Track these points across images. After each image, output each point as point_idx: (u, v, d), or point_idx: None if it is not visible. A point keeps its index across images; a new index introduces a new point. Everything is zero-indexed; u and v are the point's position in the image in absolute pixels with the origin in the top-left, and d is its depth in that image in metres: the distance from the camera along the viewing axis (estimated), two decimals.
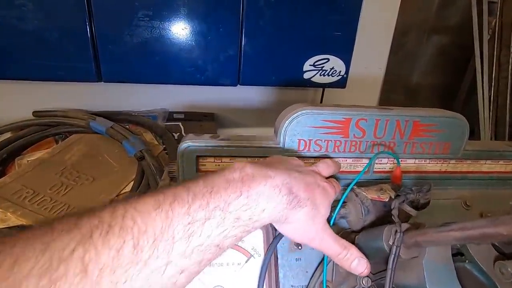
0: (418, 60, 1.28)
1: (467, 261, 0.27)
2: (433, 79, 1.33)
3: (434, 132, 0.41)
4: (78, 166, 0.75)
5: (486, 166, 0.46)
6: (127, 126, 0.88)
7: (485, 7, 1.16)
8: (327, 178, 0.34)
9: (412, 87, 1.33)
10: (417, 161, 0.43)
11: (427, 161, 0.43)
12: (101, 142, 0.81)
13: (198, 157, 0.38)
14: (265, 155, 0.39)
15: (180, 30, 0.74)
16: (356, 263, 0.29)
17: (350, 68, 0.87)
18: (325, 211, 0.29)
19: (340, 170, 0.42)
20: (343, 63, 0.84)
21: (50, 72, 0.74)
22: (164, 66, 0.76)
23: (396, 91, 1.29)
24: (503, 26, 1.14)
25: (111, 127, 0.80)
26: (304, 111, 0.37)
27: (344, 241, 0.30)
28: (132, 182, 0.73)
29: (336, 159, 0.41)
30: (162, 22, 0.71)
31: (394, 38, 1.12)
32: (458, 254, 0.29)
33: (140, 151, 0.76)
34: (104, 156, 0.78)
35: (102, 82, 0.75)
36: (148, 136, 0.90)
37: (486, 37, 1.16)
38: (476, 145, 0.44)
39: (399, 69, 1.25)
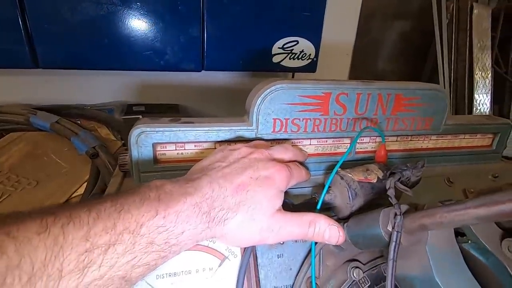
0: (383, 45, 1.29)
1: (469, 241, 0.24)
2: (398, 65, 1.36)
3: (417, 106, 0.38)
4: (18, 169, 0.64)
5: (465, 140, 0.44)
6: (78, 121, 0.78)
7: None
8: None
9: (378, 73, 1.35)
10: (399, 138, 0.40)
11: (409, 138, 0.41)
12: (46, 140, 0.70)
13: (155, 144, 0.31)
14: (236, 140, 0.33)
15: (132, 7, 0.65)
16: (328, 234, 0.26)
17: (319, 54, 0.83)
18: (267, 203, 0.25)
19: (321, 152, 0.37)
20: (312, 45, 0.80)
21: None
22: (114, 50, 0.66)
23: (363, 77, 1.30)
24: (460, 10, 1.18)
25: (56, 121, 0.69)
26: (279, 86, 0.32)
27: (307, 216, 0.26)
28: (86, 184, 0.64)
29: (317, 140, 0.37)
30: None
31: (360, 23, 1.12)
32: (457, 234, 0.25)
33: (93, 147, 0.66)
34: (50, 156, 0.68)
35: (40, 69, 0.64)
36: (104, 132, 0.80)
37: (445, 21, 1.20)
38: (456, 119, 0.43)
39: (365, 55, 1.25)
